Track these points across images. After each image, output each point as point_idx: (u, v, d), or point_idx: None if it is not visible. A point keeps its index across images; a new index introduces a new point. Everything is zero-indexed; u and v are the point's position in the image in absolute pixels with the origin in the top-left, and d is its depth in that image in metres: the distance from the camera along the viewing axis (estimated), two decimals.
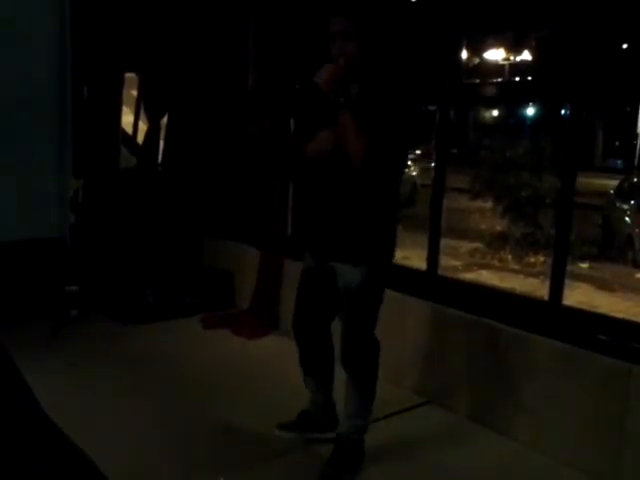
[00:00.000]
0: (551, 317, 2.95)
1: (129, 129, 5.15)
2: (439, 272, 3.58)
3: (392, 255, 2.63)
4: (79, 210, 4.51)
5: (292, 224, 4.43)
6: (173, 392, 3.32)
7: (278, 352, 3.96)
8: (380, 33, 2.56)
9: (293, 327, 2.79)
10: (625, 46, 12.23)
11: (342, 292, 2.57)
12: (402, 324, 3.50)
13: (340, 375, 2.74)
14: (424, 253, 3.61)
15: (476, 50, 13.90)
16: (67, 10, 4.08)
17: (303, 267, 2.76)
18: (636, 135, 16.29)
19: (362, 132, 2.33)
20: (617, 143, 20.95)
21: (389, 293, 3.54)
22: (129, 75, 5.01)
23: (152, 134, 4.93)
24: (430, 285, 3.49)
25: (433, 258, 3.54)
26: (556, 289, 2.97)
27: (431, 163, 4.42)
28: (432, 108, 3.78)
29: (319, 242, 2.62)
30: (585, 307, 3.77)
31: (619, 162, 20.43)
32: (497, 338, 3.03)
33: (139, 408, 3.11)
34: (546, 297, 3.05)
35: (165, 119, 5.00)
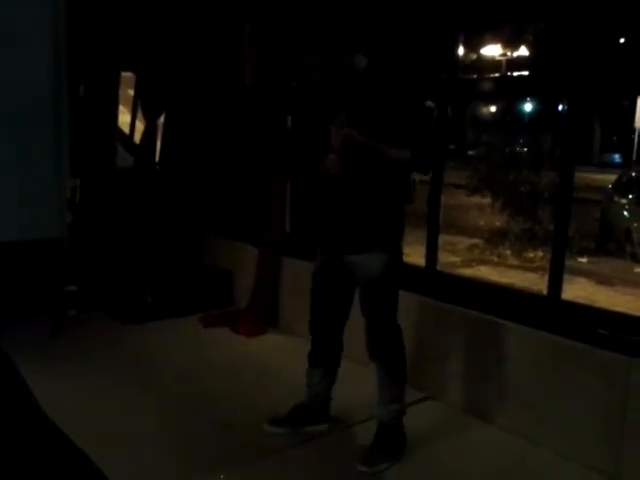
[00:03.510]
0: (550, 311, 2.95)
1: (126, 128, 5.15)
2: (438, 268, 3.58)
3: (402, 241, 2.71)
4: (77, 210, 4.51)
5: (291, 222, 4.43)
6: (172, 391, 3.32)
7: (277, 350, 3.97)
8: (354, 48, 2.61)
9: (311, 325, 2.85)
10: (622, 40, 12.24)
11: (362, 284, 2.64)
12: (401, 321, 3.50)
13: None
14: (423, 249, 3.61)
15: (473, 46, 13.91)
16: (62, 8, 4.06)
17: (315, 267, 2.80)
18: (634, 130, 16.29)
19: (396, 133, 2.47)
20: (615, 138, 20.95)
21: None
22: (126, 74, 5.01)
23: (149, 133, 4.92)
24: (429, 281, 3.49)
25: (432, 254, 3.54)
26: (555, 283, 2.97)
27: None
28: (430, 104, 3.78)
29: (334, 239, 2.67)
30: (584, 301, 3.77)
31: (617, 157, 20.44)
32: (496, 333, 3.03)
33: (137, 407, 3.11)
34: (545, 292, 3.06)
35: (162, 118, 4.99)
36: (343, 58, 2.56)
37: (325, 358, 2.87)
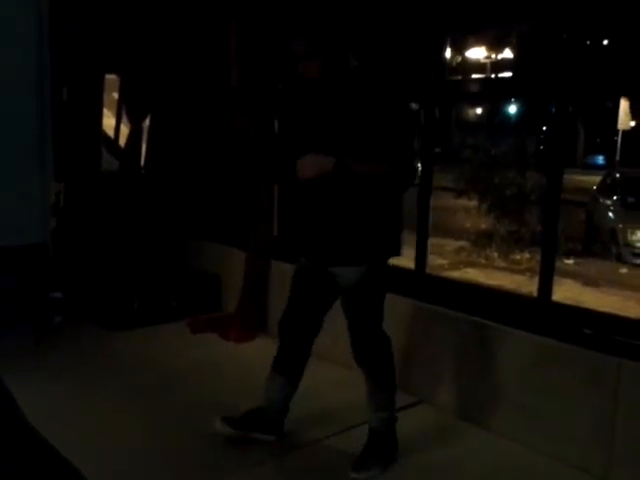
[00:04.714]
0: (541, 313, 2.94)
1: (111, 132, 5.10)
2: (427, 271, 3.56)
3: (392, 251, 2.61)
4: (61, 215, 4.45)
5: (279, 225, 4.40)
6: (160, 398, 3.27)
7: (266, 356, 3.89)
8: (347, 46, 2.55)
9: (280, 325, 2.79)
10: (605, 42, 12.38)
11: (342, 293, 2.60)
12: (392, 324, 3.47)
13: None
14: (412, 252, 3.59)
15: (459, 48, 14.00)
16: (45, 10, 4.01)
17: (296, 269, 2.75)
18: (617, 131, 16.47)
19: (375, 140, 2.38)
20: (598, 140, 21.16)
21: None
22: (110, 77, 4.95)
23: (134, 136, 4.87)
24: (419, 284, 3.47)
25: (421, 257, 3.52)
26: (545, 285, 2.96)
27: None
28: (415, 107, 3.77)
29: (316, 248, 2.61)
30: (571, 302, 3.78)
31: (600, 158, 20.66)
32: (486, 335, 3.02)
33: (125, 415, 3.06)
34: (535, 293, 3.05)
35: (147, 121, 4.94)
36: (340, 52, 2.48)
37: (290, 366, 2.80)
